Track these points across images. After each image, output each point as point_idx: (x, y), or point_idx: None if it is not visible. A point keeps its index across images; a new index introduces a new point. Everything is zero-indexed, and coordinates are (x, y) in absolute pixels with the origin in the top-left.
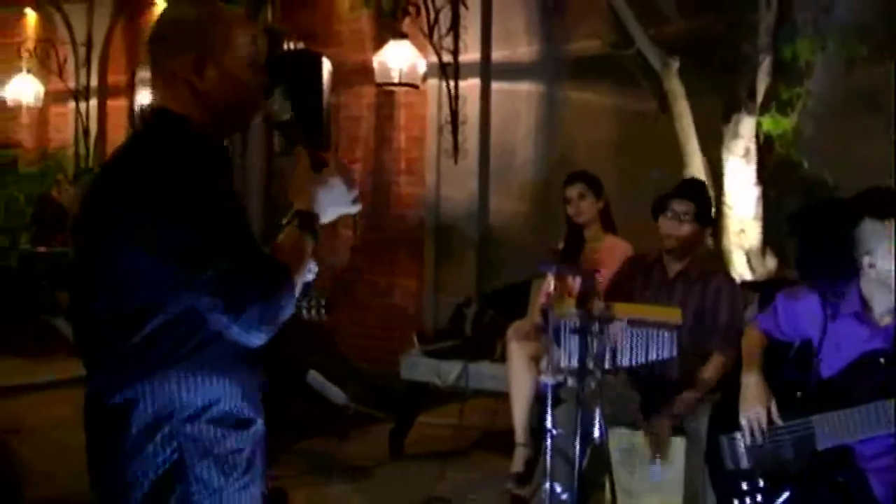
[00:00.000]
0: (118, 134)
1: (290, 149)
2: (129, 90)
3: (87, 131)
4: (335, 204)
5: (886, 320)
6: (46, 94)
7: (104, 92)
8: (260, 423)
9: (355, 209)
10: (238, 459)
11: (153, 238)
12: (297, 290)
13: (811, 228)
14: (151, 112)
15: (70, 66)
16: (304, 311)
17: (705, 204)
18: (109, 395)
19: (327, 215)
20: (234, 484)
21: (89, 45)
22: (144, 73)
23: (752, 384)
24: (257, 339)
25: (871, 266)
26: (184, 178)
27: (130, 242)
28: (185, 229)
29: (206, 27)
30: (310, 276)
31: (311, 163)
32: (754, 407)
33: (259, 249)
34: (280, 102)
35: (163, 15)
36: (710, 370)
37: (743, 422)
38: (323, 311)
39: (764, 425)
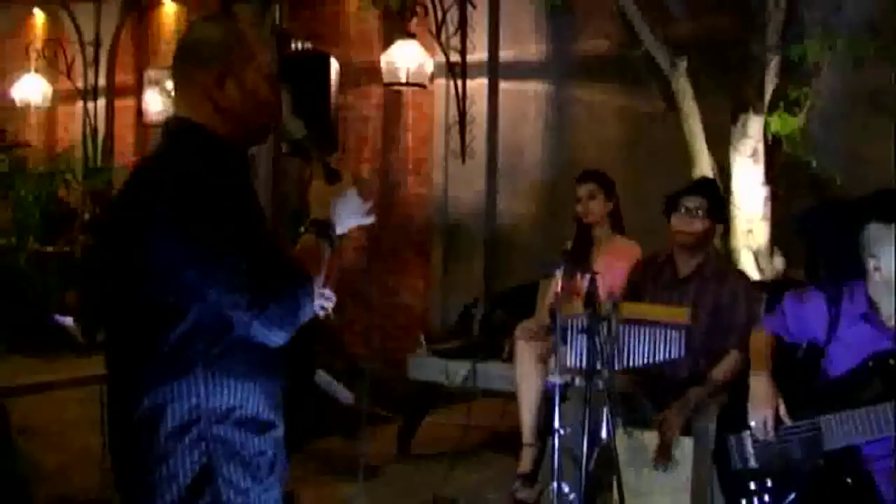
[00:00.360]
0: (126, 133)
1: (305, 158)
2: (137, 89)
3: (95, 131)
4: (350, 215)
5: (894, 322)
6: (54, 93)
7: (112, 91)
8: (281, 427)
9: (369, 220)
10: (263, 461)
11: (184, 239)
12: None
13: (818, 230)
14: (176, 122)
15: (78, 66)
16: None
17: (718, 201)
18: (137, 399)
19: (343, 225)
20: (260, 485)
21: (97, 44)
22: (152, 73)
23: (760, 385)
24: (277, 338)
25: (877, 269)
26: (213, 184)
27: (161, 244)
28: (215, 230)
29: (229, 46)
30: (329, 304)
31: (326, 175)
32: (763, 408)
33: (281, 252)
34: (294, 121)
35: (188, 32)
36: (726, 368)
37: (752, 422)
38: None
39: (772, 426)
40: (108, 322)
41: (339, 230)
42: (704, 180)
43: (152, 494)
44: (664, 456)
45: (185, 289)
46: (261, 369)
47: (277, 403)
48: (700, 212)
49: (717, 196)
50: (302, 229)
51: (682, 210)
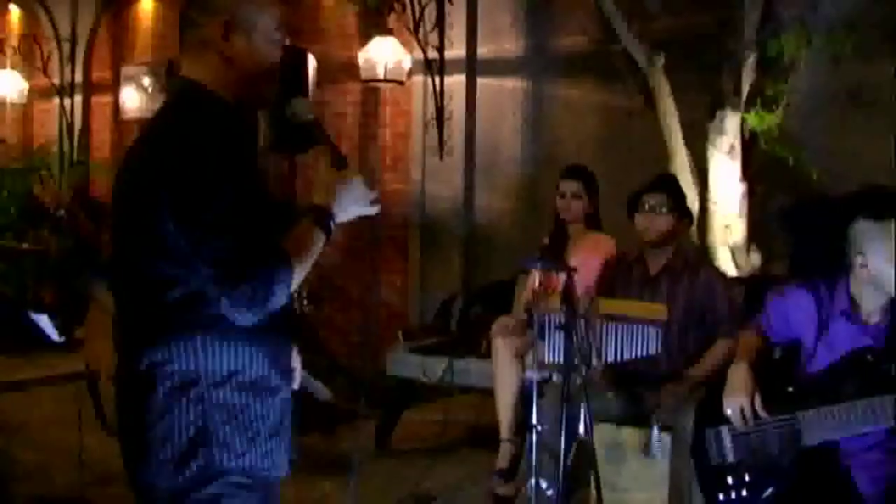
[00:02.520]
0: (103, 130)
1: (308, 148)
2: (114, 86)
3: (71, 127)
4: (355, 203)
5: (875, 318)
6: (30, 90)
7: (88, 88)
8: (286, 391)
9: (374, 210)
10: (263, 426)
11: (173, 209)
12: (297, 282)
13: (803, 225)
14: (180, 83)
15: (54, 62)
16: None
17: (679, 195)
18: (139, 358)
19: (346, 214)
20: (258, 449)
21: (73, 40)
22: (129, 69)
23: (738, 374)
24: (244, 319)
25: (864, 266)
26: (211, 155)
27: (155, 213)
28: (200, 203)
29: None
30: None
31: (334, 160)
32: (739, 395)
33: (265, 233)
34: (302, 103)
35: None
36: (718, 352)
37: (727, 410)
38: (305, 301)
39: (748, 414)
40: (116, 283)
41: (341, 218)
42: (664, 176)
43: (148, 452)
44: (644, 446)
45: (179, 258)
46: (266, 333)
47: (285, 368)
48: (663, 208)
49: (678, 191)
50: (312, 216)
51: (645, 208)
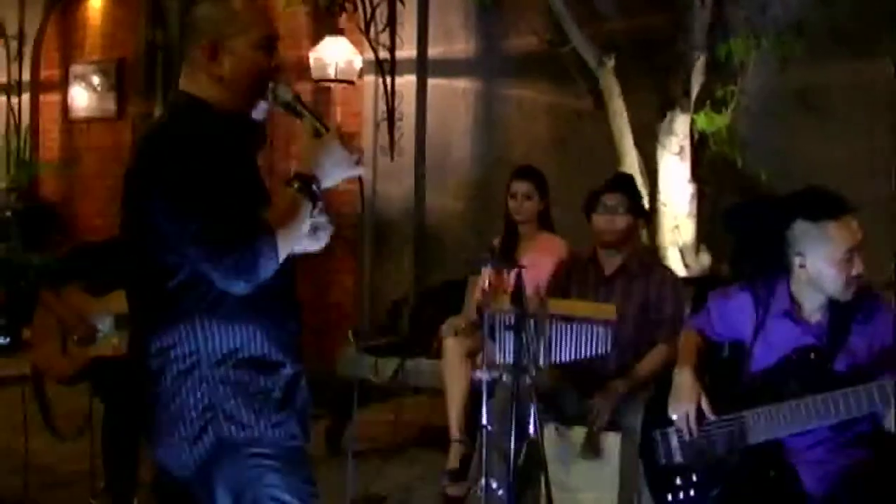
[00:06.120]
0: (51, 129)
1: (296, 115)
2: (63, 85)
3: (18, 126)
4: (336, 166)
5: (816, 317)
6: None
7: (37, 86)
8: (291, 367)
9: (357, 171)
10: (268, 399)
11: (166, 204)
12: (287, 249)
13: (745, 226)
14: (175, 96)
15: (1, 60)
16: None
17: (636, 196)
18: (148, 345)
19: (329, 177)
20: (266, 420)
21: (21, 38)
22: (78, 68)
23: (682, 379)
24: (237, 288)
25: (802, 267)
26: (195, 148)
27: (153, 209)
28: (190, 191)
29: (217, 19)
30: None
31: (315, 130)
32: (684, 402)
33: (246, 211)
34: (283, 88)
35: (189, 10)
36: (651, 360)
37: (673, 417)
38: None
39: (694, 421)
40: (128, 276)
41: (327, 183)
42: (621, 176)
43: (166, 433)
44: (593, 447)
45: (174, 248)
46: (264, 314)
47: (287, 345)
48: (621, 209)
49: (635, 191)
50: (286, 183)
51: (602, 209)
